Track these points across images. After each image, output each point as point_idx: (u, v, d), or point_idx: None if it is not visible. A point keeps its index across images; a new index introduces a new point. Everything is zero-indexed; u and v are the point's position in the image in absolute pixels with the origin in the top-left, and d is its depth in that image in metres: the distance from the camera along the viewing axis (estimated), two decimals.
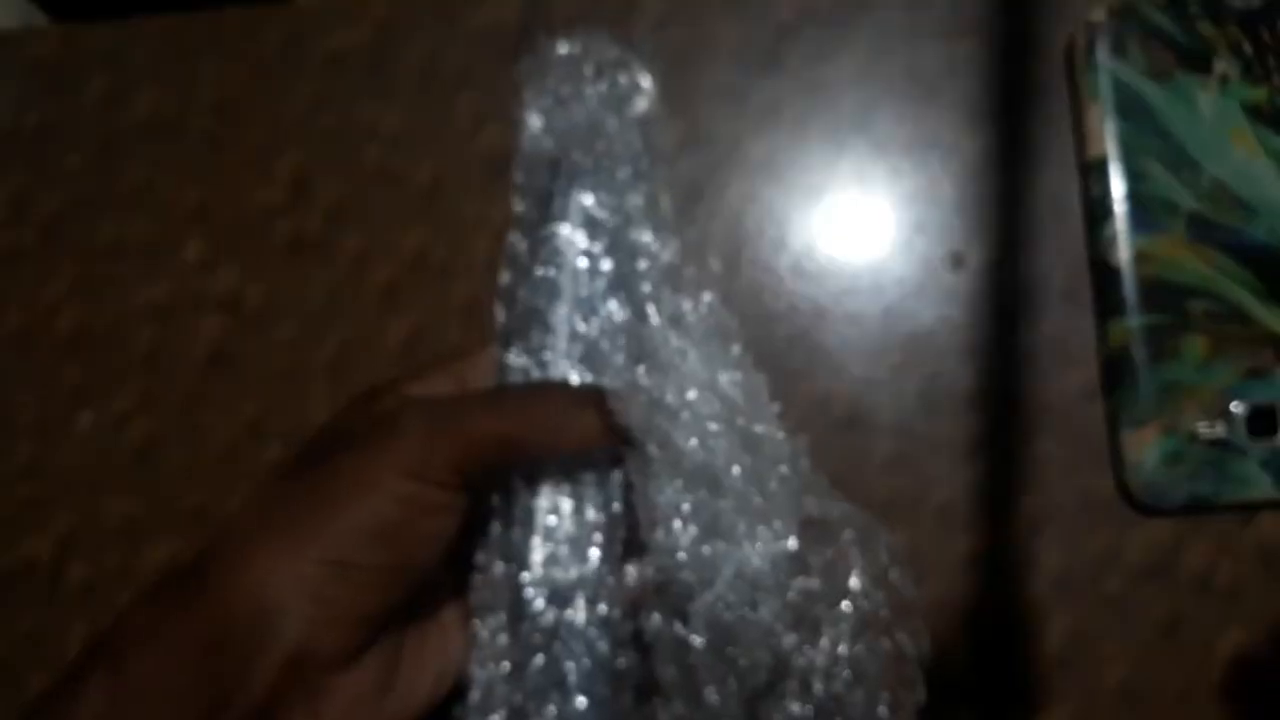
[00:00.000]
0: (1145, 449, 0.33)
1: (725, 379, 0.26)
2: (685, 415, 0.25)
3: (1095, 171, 0.34)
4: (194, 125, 0.38)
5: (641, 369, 0.26)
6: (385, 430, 0.26)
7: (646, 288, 0.27)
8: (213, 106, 0.38)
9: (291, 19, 0.38)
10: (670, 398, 0.25)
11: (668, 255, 0.28)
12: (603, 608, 0.27)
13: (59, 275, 0.37)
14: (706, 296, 0.27)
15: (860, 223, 0.36)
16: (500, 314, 0.29)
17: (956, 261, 0.35)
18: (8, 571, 0.35)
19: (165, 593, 0.26)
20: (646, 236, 0.28)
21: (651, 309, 0.27)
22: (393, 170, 0.37)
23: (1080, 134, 0.35)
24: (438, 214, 0.36)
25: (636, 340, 0.27)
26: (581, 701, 0.26)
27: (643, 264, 0.28)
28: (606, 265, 0.28)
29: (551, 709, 0.26)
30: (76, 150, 0.38)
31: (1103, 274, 0.34)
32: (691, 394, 0.25)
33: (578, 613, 0.27)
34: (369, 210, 0.37)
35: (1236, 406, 0.33)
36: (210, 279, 0.37)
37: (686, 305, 0.27)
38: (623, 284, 0.28)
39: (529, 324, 0.28)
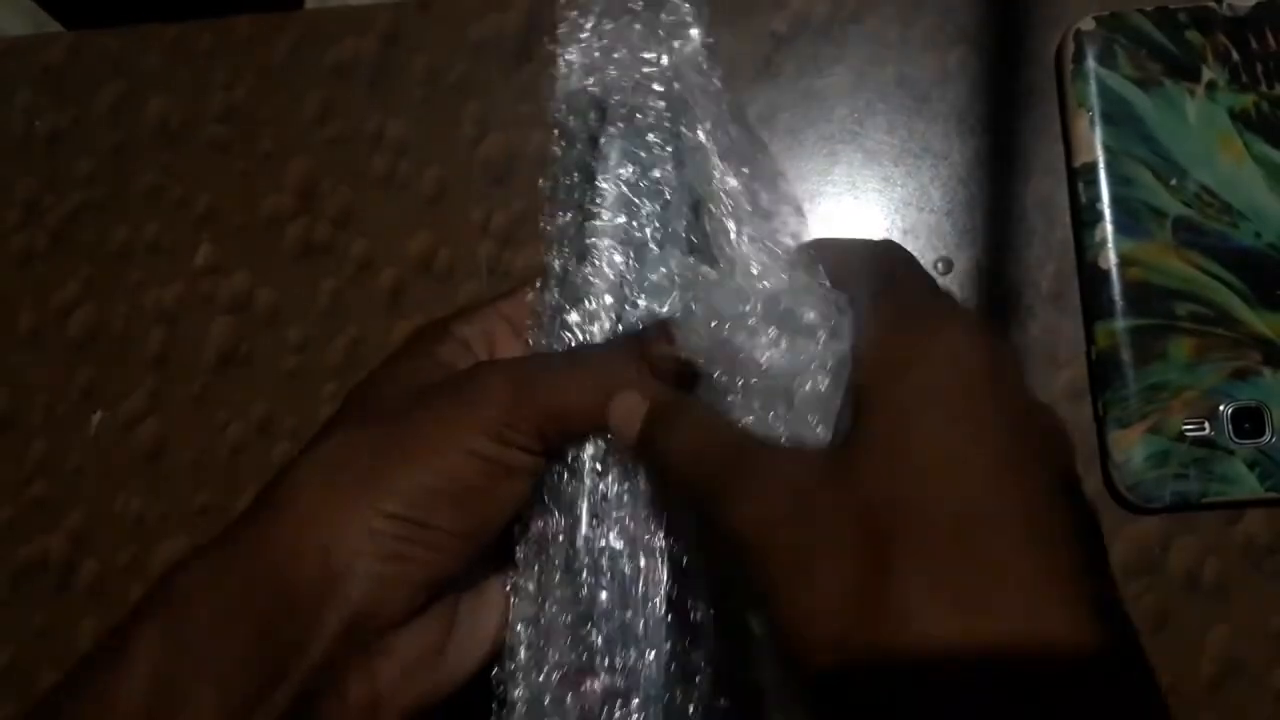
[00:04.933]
0: (1132, 448, 0.34)
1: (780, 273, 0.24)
2: (751, 324, 0.23)
3: (1084, 177, 0.35)
4: (204, 132, 0.38)
5: (702, 268, 0.25)
6: (468, 389, 0.25)
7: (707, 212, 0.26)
8: (222, 113, 0.38)
9: (300, 28, 0.39)
10: (730, 312, 0.23)
11: (731, 182, 0.26)
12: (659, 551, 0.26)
13: (71, 278, 0.38)
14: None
15: (852, 228, 0.36)
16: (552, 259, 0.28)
17: (946, 266, 0.36)
18: (20, 568, 0.36)
19: (223, 543, 0.24)
20: (707, 171, 0.26)
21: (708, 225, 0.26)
22: (398, 177, 0.38)
23: (1069, 141, 0.36)
24: (442, 219, 0.37)
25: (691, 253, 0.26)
26: (644, 656, 0.25)
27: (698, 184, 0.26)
28: (649, 205, 0.27)
29: (609, 664, 0.25)
30: (88, 155, 0.38)
31: (1091, 277, 0.35)
32: (751, 305, 0.23)
33: (633, 563, 0.26)
34: (375, 215, 0.37)
35: (1223, 407, 0.33)
36: (220, 282, 0.37)
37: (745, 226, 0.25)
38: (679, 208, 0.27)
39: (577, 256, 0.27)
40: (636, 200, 0.27)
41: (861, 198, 0.37)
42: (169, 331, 0.37)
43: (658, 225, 0.27)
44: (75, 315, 0.38)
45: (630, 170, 0.27)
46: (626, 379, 0.25)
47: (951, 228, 0.36)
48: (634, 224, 0.27)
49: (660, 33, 0.28)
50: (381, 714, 0.24)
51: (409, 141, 0.37)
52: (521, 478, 0.25)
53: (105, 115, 0.39)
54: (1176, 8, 0.35)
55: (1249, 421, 0.33)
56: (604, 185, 0.27)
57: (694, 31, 0.28)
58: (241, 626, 0.22)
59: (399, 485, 0.24)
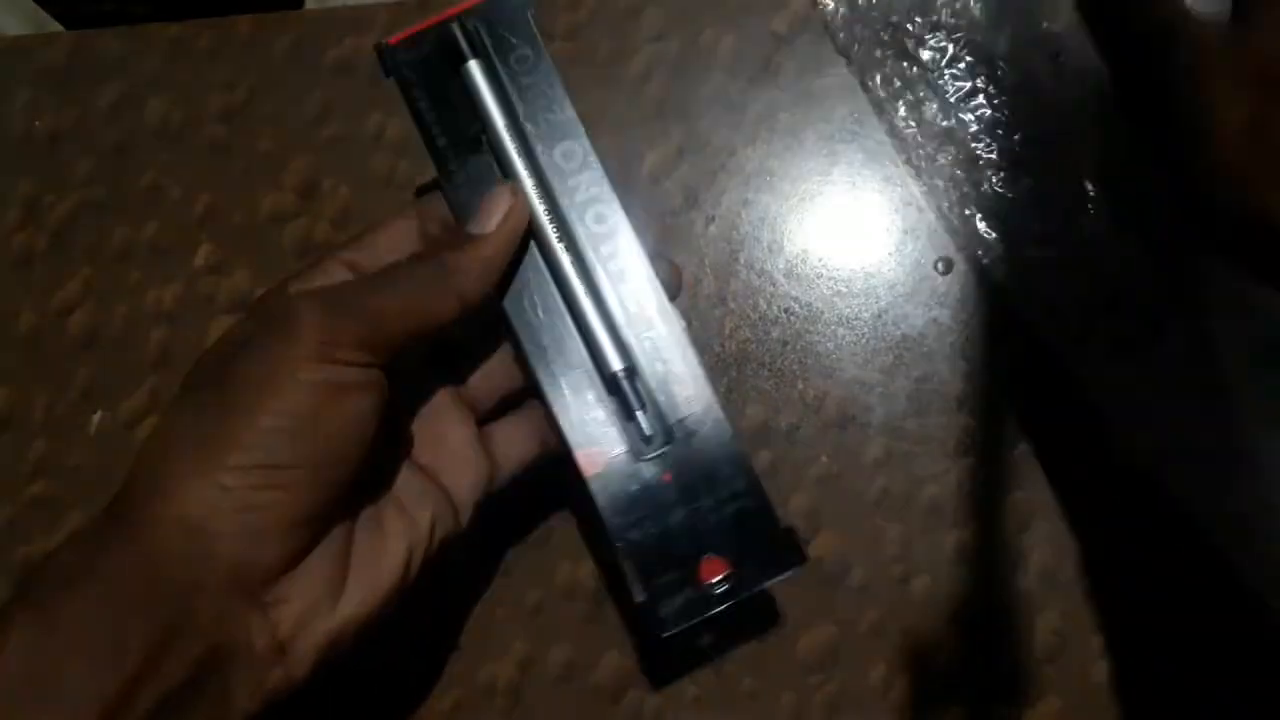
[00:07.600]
0: None
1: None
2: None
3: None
4: (204, 132, 0.38)
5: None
6: (279, 319, 0.24)
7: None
8: (222, 113, 0.38)
9: (300, 28, 0.39)
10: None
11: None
12: None
13: (71, 278, 0.38)
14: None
15: (853, 228, 0.37)
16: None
17: (946, 266, 0.36)
18: (20, 568, 0.36)
19: (87, 533, 0.24)
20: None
21: None
22: (398, 177, 0.38)
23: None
24: None
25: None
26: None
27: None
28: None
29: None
30: (88, 155, 0.38)
31: None
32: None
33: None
34: (375, 216, 0.37)
35: None
36: (220, 282, 0.37)
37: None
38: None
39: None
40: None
41: (861, 198, 0.37)
42: (169, 331, 0.37)
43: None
44: (75, 315, 0.38)
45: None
46: (440, 270, 0.26)
47: (950, 227, 0.36)
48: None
49: None
50: (291, 659, 0.24)
51: (409, 141, 0.38)
52: (361, 393, 0.25)
53: (105, 115, 0.39)
54: None
55: None
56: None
57: None
58: (115, 606, 0.22)
59: (234, 436, 0.23)
